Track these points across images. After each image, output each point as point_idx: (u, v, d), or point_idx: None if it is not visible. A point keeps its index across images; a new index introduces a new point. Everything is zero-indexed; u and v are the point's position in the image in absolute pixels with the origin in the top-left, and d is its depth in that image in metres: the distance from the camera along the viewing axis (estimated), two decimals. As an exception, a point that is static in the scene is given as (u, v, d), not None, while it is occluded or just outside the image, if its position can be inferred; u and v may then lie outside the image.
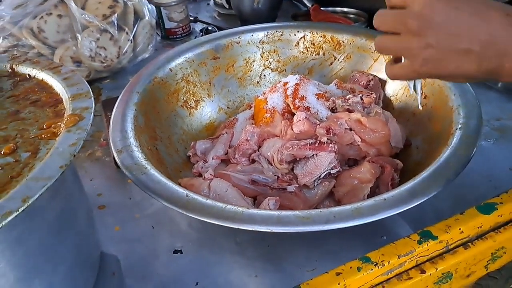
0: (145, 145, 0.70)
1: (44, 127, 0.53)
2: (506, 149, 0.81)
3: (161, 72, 0.83)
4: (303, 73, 0.93)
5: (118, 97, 0.76)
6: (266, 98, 0.79)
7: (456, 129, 0.65)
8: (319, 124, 0.71)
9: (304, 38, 0.92)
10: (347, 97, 0.76)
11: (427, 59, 0.50)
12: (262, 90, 0.94)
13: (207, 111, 0.89)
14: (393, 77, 0.57)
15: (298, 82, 0.77)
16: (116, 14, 0.99)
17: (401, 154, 0.76)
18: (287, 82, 0.79)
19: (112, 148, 0.66)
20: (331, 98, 0.76)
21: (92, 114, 0.53)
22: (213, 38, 0.91)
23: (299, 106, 0.74)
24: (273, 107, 0.76)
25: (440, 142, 0.67)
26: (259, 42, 0.92)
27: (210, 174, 0.70)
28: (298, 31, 0.92)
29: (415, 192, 0.57)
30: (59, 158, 0.46)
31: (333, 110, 0.76)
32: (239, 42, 0.92)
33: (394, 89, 0.85)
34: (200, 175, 0.74)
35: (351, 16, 1.13)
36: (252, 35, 0.92)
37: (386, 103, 0.84)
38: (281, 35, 0.92)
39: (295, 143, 0.70)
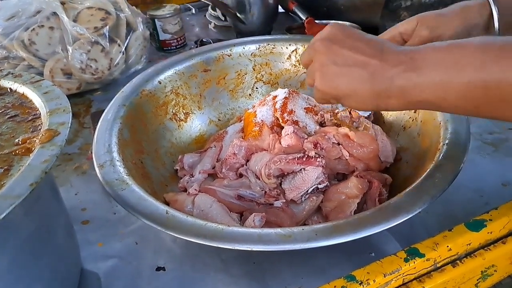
0: (129, 159, 0.69)
1: (19, 142, 0.52)
2: (499, 163, 0.80)
3: (150, 84, 0.82)
4: (295, 86, 0.92)
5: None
6: (255, 111, 0.78)
7: (443, 144, 0.64)
8: (307, 138, 0.70)
9: (296, 51, 0.91)
10: (336, 111, 0.75)
11: (324, 73, 0.53)
12: (254, 103, 0.93)
13: (197, 123, 0.88)
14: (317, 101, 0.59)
15: (287, 95, 0.76)
16: (107, 26, 0.99)
17: (391, 168, 0.75)
18: (276, 96, 0.78)
19: (95, 162, 0.65)
20: (320, 112, 0.75)
21: (68, 129, 0.52)
22: (203, 50, 0.90)
23: (287, 120, 0.73)
24: (262, 120, 0.75)
25: (427, 158, 0.66)
26: (251, 55, 0.91)
27: (195, 189, 0.69)
28: (290, 44, 0.91)
29: (399, 208, 0.55)
30: (30, 175, 0.45)
31: (321, 124, 0.75)
32: (231, 55, 0.91)
33: (386, 102, 0.83)
34: (185, 190, 0.73)
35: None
36: (243, 48, 0.91)
37: (377, 117, 0.83)
38: (273, 48, 0.91)
39: (283, 157, 0.69)
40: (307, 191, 0.68)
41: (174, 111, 0.85)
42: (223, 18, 1.27)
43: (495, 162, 0.80)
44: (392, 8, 1.01)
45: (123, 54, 1.02)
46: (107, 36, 0.99)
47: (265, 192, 0.69)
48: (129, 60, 1.05)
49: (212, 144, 0.79)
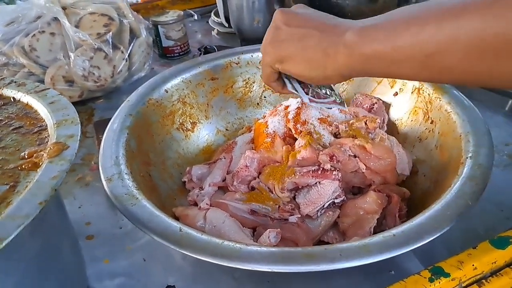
0: (137, 171, 0.66)
1: (26, 156, 0.49)
2: (516, 175, 0.77)
3: (156, 93, 0.80)
4: (304, 95, 0.90)
5: (111, 118, 0.73)
6: (267, 121, 0.75)
7: (466, 157, 0.61)
8: (322, 151, 0.67)
9: (306, 59, 0.88)
10: (350, 122, 0.72)
11: (274, 36, 0.58)
12: (262, 112, 0.90)
13: (204, 133, 0.85)
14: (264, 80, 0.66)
15: (300, 105, 0.73)
16: (111, 33, 0.96)
17: (407, 181, 0.72)
18: (288, 106, 0.75)
19: (102, 175, 0.62)
20: (334, 123, 0.73)
21: (78, 142, 0.49)
22: (211, 58, 0.87)
23: (301, 131, 0.70)
24: (274, 131, 0.72)
25: (449, 172, 0.63)
26: (259, 63, 0.89)
27: (206, 204, 0.66)
28: (299, 52, 0.88)
29: (426, 227, 0.52)
30: (38, 193, 0.42)
31: (336, 135, 0.72)
32: (239, 63, 0.88)
33: (399, 113, 0.81)
34: (195, 203, 0.70)
35: (354, 35, 1.09)
36: (252, 56, 0.89)
37: (391, 128, 0.81)
38: (281, 55, 0.89)
39: (297, 170, 0.66)
40: (323, 205, 0.65)
41: (181, 120, 0.82)
42: (226, 25, 1.24)
43: (513, 174, 0.77)
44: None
45: (126, 61, 1.00)
46: (111, 43, 0.96)
47: (279, 206, 0.66)
48: (132, 67, 1.02)
49: (221, 155, 0.76)
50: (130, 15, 1.02)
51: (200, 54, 1.17)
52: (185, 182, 0.76)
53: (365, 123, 0.71)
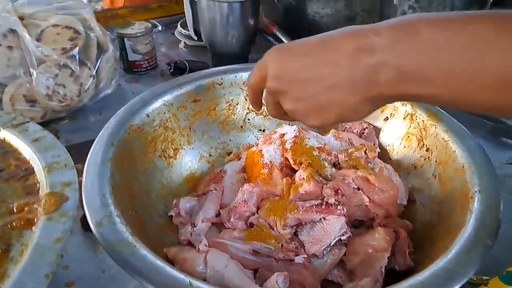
0: (126, 209, 0.60)
1: (15, 210, 0.41)
2: (505, 202, 0.77)
3: (137, 118, 0.73)
4: (290, 117, 0.86)
5: (81, 143, 0.66)
6: (261, 150, 0.70)
7: (475, 191, 0.60)
8: (325, 183, 0.64)
9: (292, 80, 0.85)
10: (349, 151, 0.69)
11: (305, 110, 0.50)
12: (246, 136, 0.86)
13: (187, 160, 0.79)
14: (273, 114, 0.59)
15: (297, 134, 0.69)
16: (77, 48, 0.88)
17: (405, 211, 0.70)
18: (284, 134, 0.71)
19: (89, 218, 0.54)
20: (333, 153, 0.69)
21: (77, 193, 0.43)
22: (192, 78, 0.82)
23: (300, 162, 0.66)
24: (270, 161, 0.68)
25: (456, 205, 0.62)
26: (243, 83, 0.84)
27: (205, 245, 0.60)
28: (285, 73, 0.85)
29: (452, 273, 0.50)
30: (41, 262, 0.36)
31: (335, 165, 0.69)
32: (222, 84, 0.83)
33: (390, 138, 0.79)
34: (189, 243, 0.64)
35: (331, 53, 1.07)
36: (235, 76, 0.84)
37: (382, 154, 0.78)
38: (266, 76, 0.84)
39: (299, 205, 0.63)
40: (330, 244, 0.61)
41: (163, 147, 0.76)
42: (195, 38, 1.18)
43: (503, 201, 0.77)
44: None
45: (94, 78, 0.91)
46: (77, 59, 0.87)
47: (282, 245, 0.62)
48: (100, 84, 0.94)
49: (211, 186, 0.70)
50: (97, 28, 0.93)
51: (170, 69, 1.10)
52: (171, 216, 0.70)
53: (365, 152, 0.68)
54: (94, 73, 0.91)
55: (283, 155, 0.69)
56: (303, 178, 0.64)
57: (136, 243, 0.52)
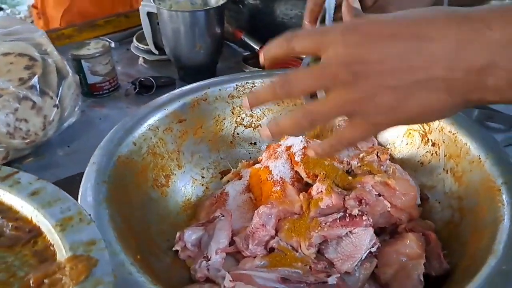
0: (135, 254, 0.53)
1: (31, 284, 0.34)
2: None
3: (124, 148, 0.65)
4: (280, 126, 0.81)
5: (53, 183, 0.57)
6: (268, 166, 0.65)
7: (501, 183, 0.58)
8: (346, 194, 0.59)
9: (278, 87, 0.80)
10: (361, 156, 0.65)
11: (383, 105, 0.40)
12: (237, 151, 0.80)
13: (180, 186, 0.72)
14: (335, 148, 0.47)
15: (306, 145, 0.64)
16: (36, 76, 0.78)
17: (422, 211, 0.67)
18: (290, 146, 0.66)
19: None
20: (344, 160, 0.65)
21: (107, 251, 0.36)
22: (175, 96, 0.75)
23: (315, 175, 0.61)
24: (280, 177, 0.63)
25: (481, 199, 0.60)
26: (228, 96, 0.78)
27: (230, 280, 0.54)
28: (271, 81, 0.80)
29: (508, 272, 0.47)
30: None
31: (348, 172, 0.65)
32: (206, 99, 0.77)
33: (390, 137, 0.76)
34: (208, 279, 0.57)
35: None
36: (219, 90, 0.78)
37: (383, 153, 0.76)
38: (252, 86, 0.79)
39: (322, 221, 0.58)
40: (361, 258, 0.57)
41: (154, 175, 0.69)
42: (156, 52, 1.11)
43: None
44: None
45: (57, 108, 0.82)
46: (38, 89, 0.78)
47: (310, 267, 0.57)
48: (64, 113, 0.85)
49: (217, 212, 0.64)
50: (54, 52, 0.85)
51: (135, 88, 1.02)
52: (177, 251, 0.63)
53: (377, 155, 0.65)
54: (57, 102, 0.82)
55: (293, 169, 0.64)
56: (321, 192, 0.59)
57: (163, 293, 0.46)
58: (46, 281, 0.33)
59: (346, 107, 0.41)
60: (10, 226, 0.39)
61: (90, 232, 0.36)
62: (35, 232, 0.38)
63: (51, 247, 0.36)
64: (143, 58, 1.17)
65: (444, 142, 0.69)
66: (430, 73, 0.38)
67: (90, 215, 0.38)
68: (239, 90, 0.79)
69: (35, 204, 0.39)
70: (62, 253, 0.35)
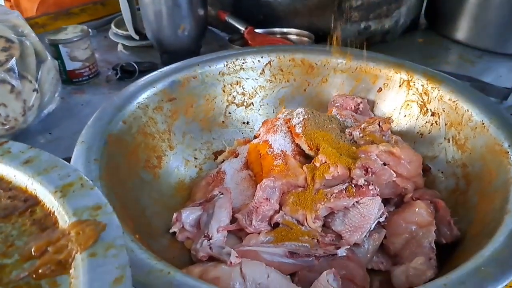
0: (132, 234, 0.49)
1: (33, 253, 0.30)
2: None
3: (113, 127, 0.62)
4: (273, 104, 0.79)
5: None
6: (267, 140, 0.62)
7: (509, 145, 0.57)
8: (351, 164, 0.57)
9: (270, 64, 0.77)
10: (362, 126, 0.63)
11: None
12: (229, 131, 0.77)
13: (173, 167, 0.69)
14: None
15: (306, 116, 0.62)
16: (14, 59, 0.74)
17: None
18: (289, 119, 0.63)
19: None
20: (347, 130, 0.63)
21: (115, 215, 0.32)
22: (164, 74, 0.71)
23: (317, 147, 0.59)
24: (282, 150, 0.60)
25: (487, 164, 0.58)
26: (219, 74, 0.75)
27: (236, 256, 0.51)
28: (262, 57, 0.77)
29: None
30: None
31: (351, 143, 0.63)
32: (196, 77, 0.74)
33: (386, 109, 0.75)
34: (211, 258, 0.54)
35: (293, 37, 1.01)
36: (209, 67, 0.75)
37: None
38: (243, 63, 0.76)
39: (327, 192, 0.55)
40: (370, 228, 0.55)
41: (145, 156, 0.65)
42: (137, 37, 1.06)
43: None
44: (343, 9, 0.94)
45: (37, 92, 0.78)
46: (16, 72, 0.73)
47: (318, 240, 0.54)
48: (44, 99, 0.81)
49: (215, 190, 0.61)
50: (32, 34, 0.80)
51: (116, 73, 0.98)
52: (175, 232, 0.60)
53: (379, 125, 0.63)
54: (36, 86, 0.77)
55: (294, 141, 0.62)
56: (325, 162, 0.57)
57: (169, 268, 0.42)
58: (49, 248, 0.30)
59: None
60: (3, 196, 0.35)
61: (94, 197, 0.33)
62: (32, 201, 0.34)
63: (51, 215, 0.33)
64: (123, 44, 1.13)
65: (444, 111, 0.67)
66: None
67: (92, 181, 0.35)
68: (229, 67, 0.76)
69: (29, 172, 0.36)
70: (64, 220, 0.32)
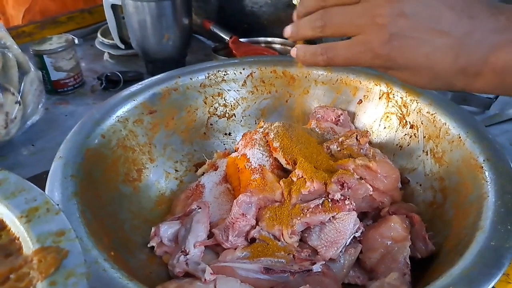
0: (108, 251, 0.49)
1: (-5, 282, 0.30)
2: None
3: (92, 141, 0.62)
4: (255, 116, 0.79)
5: None
6: (245, 154, 0.63)
7: (483, 160, 0.57)
8: (326, 179, 0.57)
9: (252, 76, 0.78)
10: (340, 140, 0.64)
11: (396, 34, 0.41)
12: (211, 142, 0.77)
13: (153, 180, 0.69)
14: (325, 62, 0.46)
15: (284, 130, 0.62)
16: (-5, 71, 0.74)
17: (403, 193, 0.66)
18: (267, 133, 0.64)
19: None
20: (324, 144, 0.63)
21: (77, 241, 0.32)
22: (144, 87, 0.72)
23: (294, 161, 0.59)
24: (259, 165, 0.61)
25: (462, 178, 0.59)
26: (200, 85, 0.76)
27: (211, 273, 0.51)
28: (243, 68, 0.77)
29: (497, 248, 0.46)
30: None
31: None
32: (177, 89, 0.74)
33: (366, 121, 0.75)
34: (186, 274, 0.54)
35: (277, 46, 1.01)
36: (191, 79, 0.75)
37: (361, 138, 0.74)
38: (224, 74, 0.77)
39: (303, 207, 0.56)
40: (346, 243, 0.55)
41: (125, 170, 0.65)
42: (122, 46, 1.07)
43: None
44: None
45: (20, 104, 0.78)
46: (-2, 84, 0.74)
47: (294, 255, 0.55)
48: (27, 111, 0.81)
49: (194, 205, 0.61)
50: (14, 46, 0.80)
51: (101, 83, 0.98)
52: (153, 247, 0.60)
53: (356, 139, 0.63)
54: (19, 98, 0.78)
55: (272, 156, 0.62)
56: (302, 177, 0.57)
57: (142, 287, 0.43)
58: (12, 276, 0.30)
59: (361, 18, 0.42)
60: (-34, 221, 0.35)
61: (59, 222, 0.33)
62: (-3, 226, 0.34)
63: (16, 240, 0.33)
64: (109, 53, 1.13)
65: (422, 124, 0.68)
66: (450, 30, 0.41)
67: (58, 205, 0.35)
68: (211, 79, 0.76)
69: (-6, 195, 0.36)
70: (28, 246, 0.32)
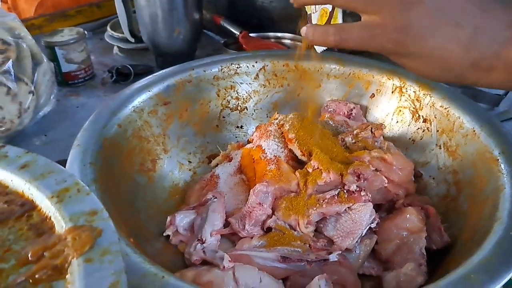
0: (127, 238, 0.50)
1: (30, 259, 0.31)
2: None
3: (109, 131, 0.62)
4: (267, 109, 0.80)
5: None
6: (261, 145, 0.63)
7: (499, 153, 0.58)
8: (343, 170, 0.58)
9: (264, 69, 0.78)
10: (355, 132, 0.64)
11: (414, 19, 0.42)
12: (224, 136, 0.78)
13: (167, 170, 0.69)
14: (336, 43, 0.46)
15: (300, 122, 0.63)
16: (11, 61, 0.74)
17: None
18: (282, 124, 0.64)
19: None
20: (339, 136, 0.64)
21: (111, 221, 0.33)
22: (159, 78, 0.72)
23: (309, 152, 0.60)
24: (275, 156, 0.61)
25: (478, 171, 0.59)
26: (213, 78, 0.76)
27: (229, 260, 0.51)
28: (256, 62, 0.78)
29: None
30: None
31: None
32: (191, 81, 0.74)
33: (379, 115, 0.76)
34: (204, 262, 0.55)
35: (287, 41, 1.02)
36: (204, 71, 0.75)
37: (373, 133, 0.75)
38: (237, 67, 0.77)
39: (319, 198, 0.56)
40: (362, 234, 0.56)
41: (140, 160, 0.66)
42: (132, 40, 1.07)
43: None
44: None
45: (33, 95, 0.78)
46: (13, 74, 0.74)
47: (310, 245, 0.55)
48: (40, 101, 0.81)
49: (209, 194, 0.62)
50: (28, 36, 0.80)
51: (112, 76, 0.98)
52: (168, 236, 0.60)
53: (371, 131, 0.64)
54: (32, 88, 0.78)
55: (287, 147, 0.62)
56: (318, 168, 0.58)
57: (163, 272, 0.43)
58: (46, 253, 0.30)
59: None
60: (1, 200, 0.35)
61: (90, 202, 0.34)
62: (29, 206, 0.35)
63: (48, 220, 0.33)
64: (118, 47, 1.13)
65: (436, 118, 0.68)
66: (463, 22, 0.41)
67: (87, 184, 0.35)
68: (224, 72, 0.77)
69: (26, 177, 0.36)
70: (61, 225, 0.32)
